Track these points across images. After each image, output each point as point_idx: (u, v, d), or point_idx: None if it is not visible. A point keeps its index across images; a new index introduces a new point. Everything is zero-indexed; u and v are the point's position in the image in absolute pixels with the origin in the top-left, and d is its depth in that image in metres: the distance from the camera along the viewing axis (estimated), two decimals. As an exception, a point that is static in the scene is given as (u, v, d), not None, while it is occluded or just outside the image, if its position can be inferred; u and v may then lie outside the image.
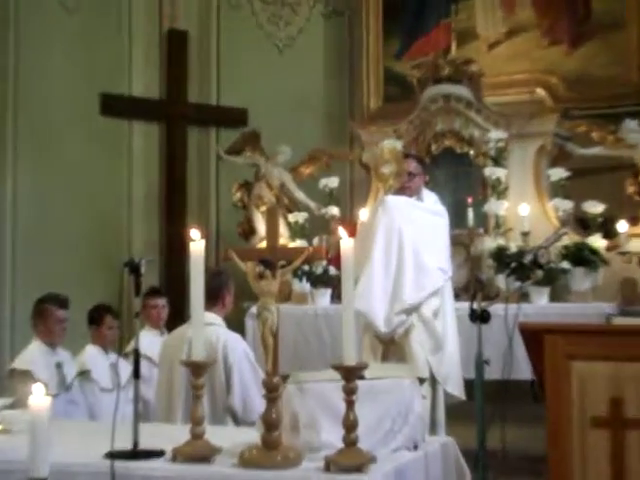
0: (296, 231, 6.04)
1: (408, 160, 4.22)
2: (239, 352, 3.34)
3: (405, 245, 3.90)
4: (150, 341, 4.32)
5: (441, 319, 3.97)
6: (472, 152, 5.80)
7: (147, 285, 4.68)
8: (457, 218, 5.14)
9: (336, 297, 5.48)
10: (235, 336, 3.43)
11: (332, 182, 6.03)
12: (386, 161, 4.21)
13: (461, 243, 5.44)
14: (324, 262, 5.44)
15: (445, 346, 3.94)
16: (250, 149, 6.35)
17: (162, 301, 4.84)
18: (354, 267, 2.22)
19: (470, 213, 5.40)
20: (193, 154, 6.91)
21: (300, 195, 6.22)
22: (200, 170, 6.92)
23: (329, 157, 6.25)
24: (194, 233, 2.32)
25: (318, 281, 5.52)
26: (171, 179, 6.80)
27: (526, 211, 5.45)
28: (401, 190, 4.12)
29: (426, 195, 4.19)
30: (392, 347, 3.93)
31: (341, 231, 2.21)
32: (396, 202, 4.02)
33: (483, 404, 3.19)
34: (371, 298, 3.82)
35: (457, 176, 5.86)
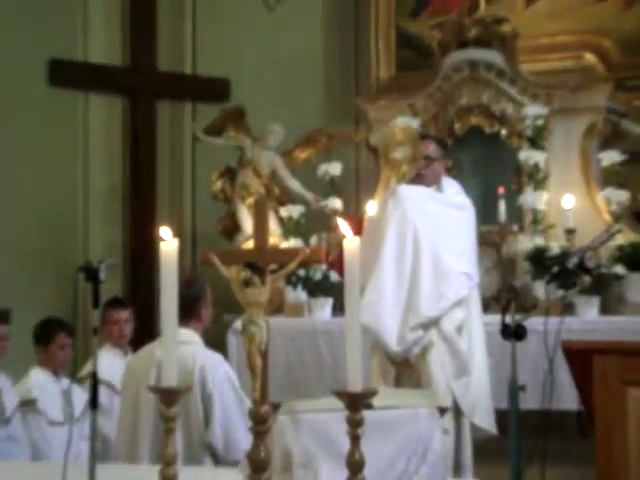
0: (290, 228, 6.04)
1: (425, 142, 4.22)
2: (220, 376, 3.35)
3: (422, 245, 3.91)
4: (111, 363, 4.33)
5: (466, 336, 3.98)
6: (504, 132, 5.80)
7: (107, 295, 4.67)
8: (486, 212, 5.13)
9: (338, 309, 5.48)
10: (215, 357, 3.43)
11: (333, 169, 6.04)
12: (399, 143, 4.21)
13: (490, 243, 5.44)
14: (324, 266, 5.44)
15: (471, 369, 3.95)
16: (233, 128, 6.36)
17: (126, 314, 4.84)
18: (360, 272, 2.21)
19: (502, 206, 5.41)
20: (164, 134, 6.91)
21: (294, 184, 6.23)
22: (172, 154, 6.92)
23: (330, 138, 6.26)
24: (165, 231, 2.31)
25: (316, 289, 5.53)
26: (137, 165, 6.80)
27: (571, 203, 5.45)
28: (417, 178, 4.13)
29: (447, 184, 4.19)
30: (406, 370, 3.94)
31: (344, 228, 2.21)
32: (410, 193, 4.02)
33: (518, 440, 3.19)
34: (381, 310, 3.82)
35: (486, 161, 5.86)
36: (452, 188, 4.20)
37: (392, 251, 3.91)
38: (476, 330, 4.04)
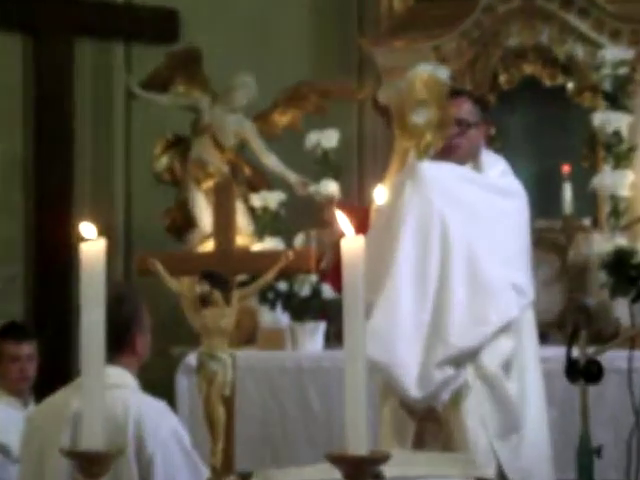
0: (265, 223, 6.04)
1: (458, 100, 4.22)
2: (164, 433, 3.34)
3: (453, 246, 3.90)
4: (5, 417, 4.33)
5: (516, 376, 3.99)
6: (571, 85, 5.81)
7: (3, 319, 4.64)
8: (544, 200, 5.14)
9: (334, 337, 5.49)
10: (157, 406, 3.43)
11: (327, 139, 6.04)
12: (419, 102, 4.19)
13: (551, 244, 5.45)
14: (313, 277, 5.44)
15: (523, 423, 3.94)
16: (185, 80, 6.36)
17: (28, 348, 4.82)
18: (366, 285, 2.21)
19: (567, 192, 5.41)
20: (84, 88, 6.88)
21: (272, 161, 6.23)
22: (97, 116, 6.91)
23: (322, 96, 6.26)
24: (87, 227, 2.30)
25: (303, 310, 5.54)
26: (44, 130, 6.77)
27: (666, 188, 5.48)
28: (446, 152, 4.13)
29: (488, 160, 4.20)
30: (431, 424, 3.93)
31: (343, 223, 2.20)
32: (437, 173, 4.02)
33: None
34: (395, 339, 3.81)
35: (544, 127, 5.86)
36: (495, 166, 4.21)
37: (410, 255, 3.91)
38: (530, 368, 4.04)
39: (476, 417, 3.88)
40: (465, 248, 3.93)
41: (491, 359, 3.90)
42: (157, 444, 3.30)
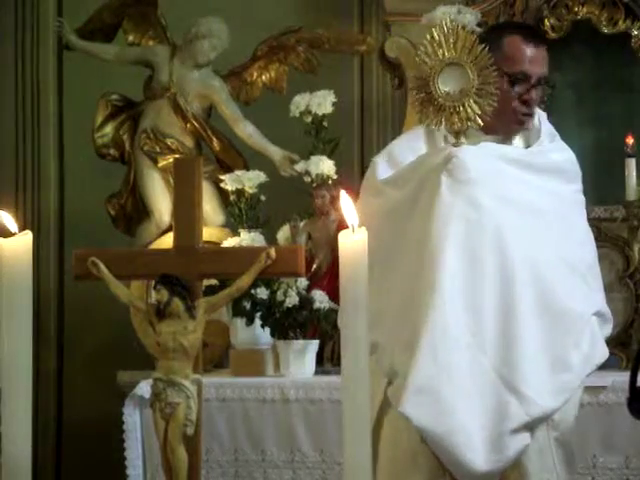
0: (241, 212, 6.04)
1: (540, 50, 4.06)
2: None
3: (514, 261, 3.78)
4: None
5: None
6: (638, 33, 5.81)
7: None
8: (600, 182, 5.24)
9: (328, 360, 5.55)
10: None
11: (320, 103, 6.02)
12: (449, 63, 4.07)
13: (610, 238, 5.45)
14: (303, 281, 5.47)
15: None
16: (134, 26, 6.36)
17: None
18: (371, 297, 2.21)
19: (631, 171, 5.38)
20: (5, 36, 6.91)
21: (249, 132, 6.24)
22: (20, 74, 6.91)
23: (313, 47, 6.26)
24: (7, 218, 2.34)
25: (289, 325, 5.54)
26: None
27: None
28: (508, 127, 4.03)
29: (541, 121, 4.12)
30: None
31: (346, 211, 2.22)
32: (482, 161, 3.87)
33: None
34: (451, 396, 3.66)
35: (602, 88, 5.91)
36: (547, 128, 4.13)
37: (458, 279, 3.76)
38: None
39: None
40: (531, 263, 3.82)
41: (565, 413, 3.85)
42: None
